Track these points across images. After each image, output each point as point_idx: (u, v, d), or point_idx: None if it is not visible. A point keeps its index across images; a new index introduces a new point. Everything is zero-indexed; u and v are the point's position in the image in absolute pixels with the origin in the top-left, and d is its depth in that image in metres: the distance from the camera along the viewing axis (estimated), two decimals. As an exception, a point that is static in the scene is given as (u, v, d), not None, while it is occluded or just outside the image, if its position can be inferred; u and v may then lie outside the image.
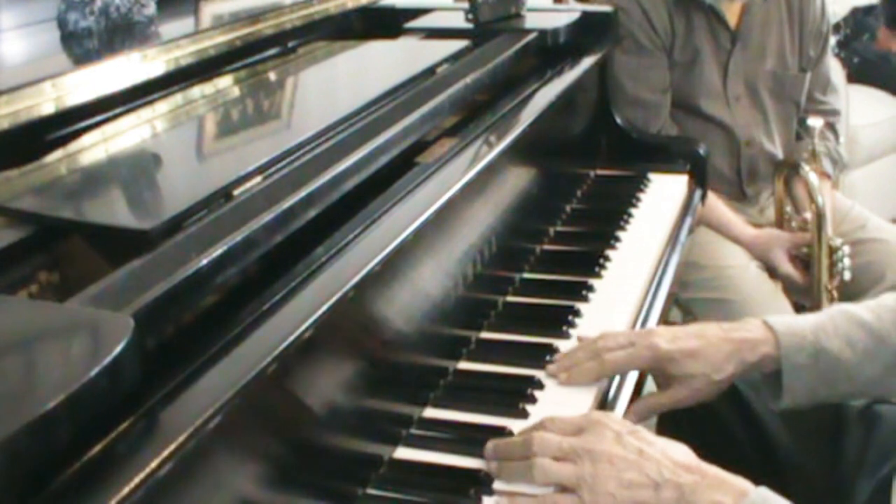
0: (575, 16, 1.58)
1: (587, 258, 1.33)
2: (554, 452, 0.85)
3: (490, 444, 0.91)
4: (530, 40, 1.44)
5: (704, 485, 0.81)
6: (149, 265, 0.72)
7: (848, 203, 1.97)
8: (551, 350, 1.09)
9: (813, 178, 1.79)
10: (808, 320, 1.04)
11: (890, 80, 3.20)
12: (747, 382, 1.22)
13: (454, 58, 1.33)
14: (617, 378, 1.07)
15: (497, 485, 0.88)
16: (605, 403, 1.04)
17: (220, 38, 1.24)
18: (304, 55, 1.40)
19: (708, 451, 1.18)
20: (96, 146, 0.99)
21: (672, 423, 1.24)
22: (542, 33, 1.48)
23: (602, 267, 1.31)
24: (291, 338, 0.74)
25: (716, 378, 1.02)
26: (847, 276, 1.79)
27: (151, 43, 1.16)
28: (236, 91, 1.23)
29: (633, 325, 1.18)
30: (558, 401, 1.01)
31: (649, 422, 1.29)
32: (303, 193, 0.85)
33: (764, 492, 0.80)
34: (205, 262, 0.72)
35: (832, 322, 1.03)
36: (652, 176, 1.63)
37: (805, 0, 1.92)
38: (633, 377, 1.09)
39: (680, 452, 0.85)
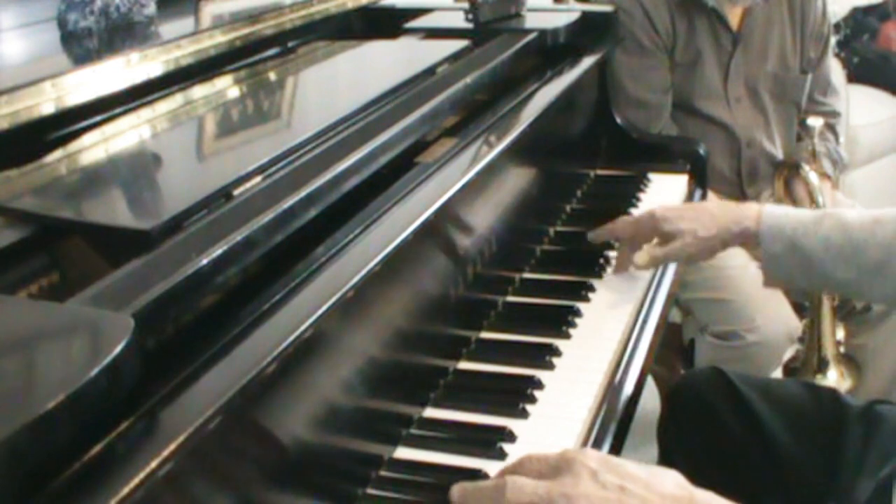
0: (575, 16, 1.58)
1: (587, 258, 1.33)
2: (528, 498, 0.74)
3: (456, 489, 0.81)
4: (530, 40, 1.44)
5: None
6: (149, 265, 0.72)
7: (848, 203, 1.97)
8: (551, 350, 1.09)
9: (813, 177, 1.79)
10: (797, 215, 1.15)
11: (890, 80, 3.20)
12: (747, 383, 1.22)
13: (454, 58, 1.33)
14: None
15: None
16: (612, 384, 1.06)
17: (220, 38, 1.24)
18: (304, 55, 1.40)
19: (708, 451, 1.19)
20: (96, 146, 0.99)
21: (673, 424, 1.25)
22: (542, 33, 1.48)
23: (602, 267, 1.31)
24: (291, 338, 0.74)
25: (702, 234, 1.20)
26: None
27: (151, 43, 1.16)
28: (236, 91, 1.23)
29: (634, 325, 1.18)
30: (559, 402, 1.01)
31: (649, 442, 1.30)
32: (303, 193, 0.85)
33: None
34: (205, 261, 0.72)
35: (817, 221, 1.13)
36: (652, 176, 1.63)
37: (807, 1, 1.92)
38: (638, 365, 1.09)
39: (668, 482, 0.75)
